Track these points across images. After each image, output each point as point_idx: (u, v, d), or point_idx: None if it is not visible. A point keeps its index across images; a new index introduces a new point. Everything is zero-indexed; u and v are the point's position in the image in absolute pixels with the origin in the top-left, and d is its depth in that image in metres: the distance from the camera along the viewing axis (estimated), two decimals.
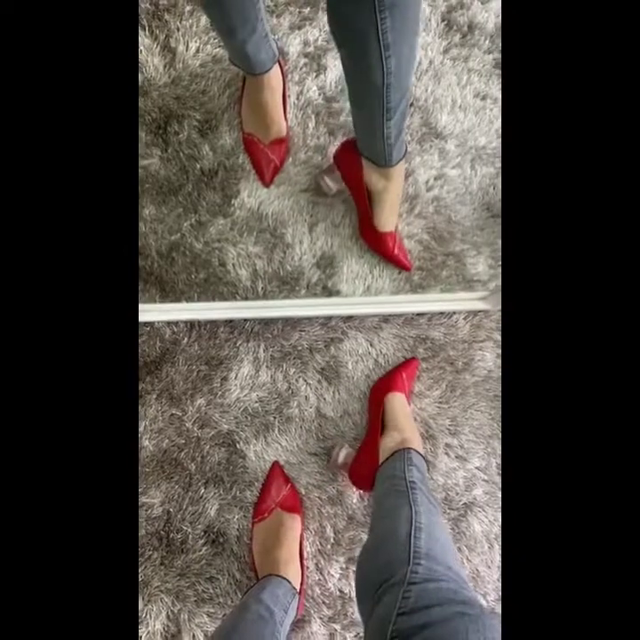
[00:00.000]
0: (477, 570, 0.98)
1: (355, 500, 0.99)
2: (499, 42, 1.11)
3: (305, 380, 1.02)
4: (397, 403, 0.96)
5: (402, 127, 0.83)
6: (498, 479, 0.99)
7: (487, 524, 0.99)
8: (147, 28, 1.10)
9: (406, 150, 0.91)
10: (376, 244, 1.01)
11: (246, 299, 1.04)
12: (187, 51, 1.09)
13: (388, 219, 0.99)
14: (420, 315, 1.03)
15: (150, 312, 1.01)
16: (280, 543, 0.92)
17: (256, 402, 1.02)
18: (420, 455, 0.84)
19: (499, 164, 1.07)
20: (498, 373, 1.02)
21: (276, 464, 0.99)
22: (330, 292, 1.04)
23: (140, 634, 0.96)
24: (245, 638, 0.72)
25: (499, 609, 0.96)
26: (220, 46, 1.09)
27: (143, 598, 0.97)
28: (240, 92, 1.06)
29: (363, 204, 0.98)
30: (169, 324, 1.03)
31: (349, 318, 1.03)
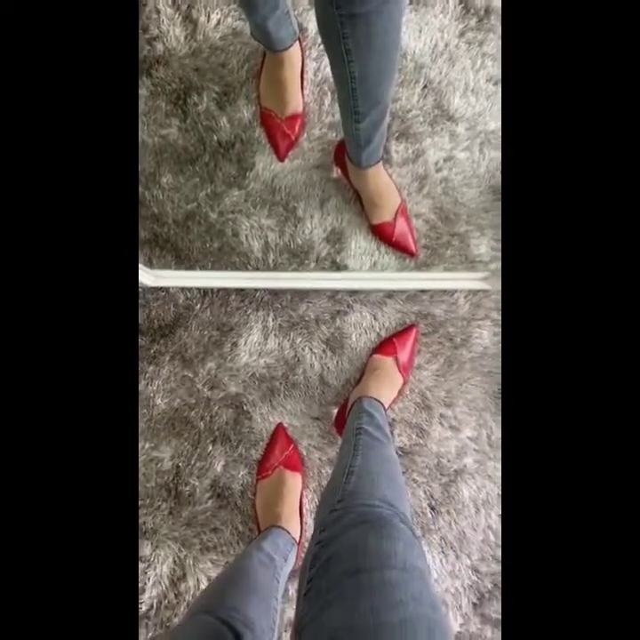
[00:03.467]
0: (464, 532, 1.05)
1: None
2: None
3: (310, 349, 1.07)
4: (374, 362, 1.04)
5: (372, 136, 0.86)
6: (487, 448, 1.06)
7: (475, 490, 1.06)
8: None
9: (381, 158, 0.96)
10: (375, 234, 1.08)
11: (257, 269, 1.08)
12: (208, 22, 1.11)
13: (373, 213, 1.04)
14: (422, 291, 1.08)
15: (165, 278, 1.05)
16: (282, 499, 0.99)
17: (263, 367, 1.07)
18: (373, 399, 0.94)
19: None
20: (493, 350, 1.08)
21: (280, 426, 1.06)
22: (338, 266, 1.09)
23: (148, 575, 1.03)
24: (248, 580, 0.78)
25: (482, 568, 1.04)
26: (240, 19, 1.11)
27: (152, 544, 1.04)
28: (259, 67, 1.09)
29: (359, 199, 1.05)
30: (183, 289, 1.08)
31: (355, 292, 1.08)
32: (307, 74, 1.10)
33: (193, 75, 1.11)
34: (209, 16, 1.12)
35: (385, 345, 1.05)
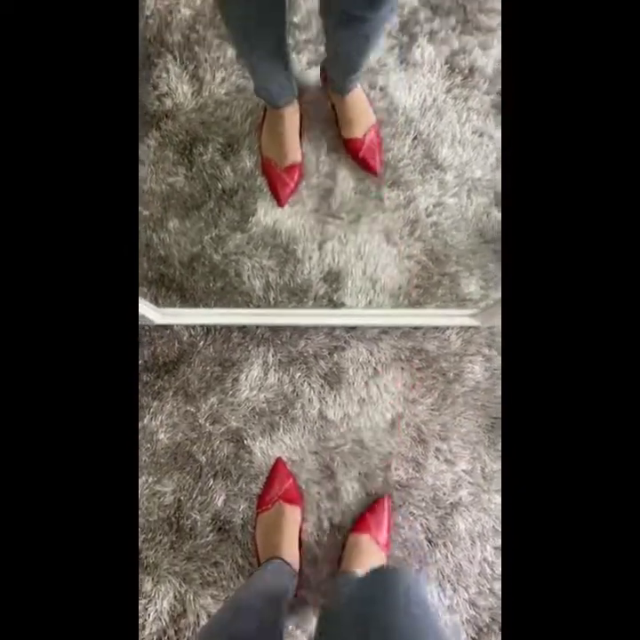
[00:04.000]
0: (460, 565, 1.06)
1: (351, 498, 1.08)
2: (497, 84, 1.22)
3: (309, 384, 1.11)
4: (352, 540, 1.03)
5: (349, 76, 1.04)
6: (482, 481, 1.09)
7: (471, 522, 1.08)
8: (177, 59, 1.21)
9: (353, 87, 1.12)
10: (346, 149, 1.16)
11: (259, 307, 1.13)
12: (213, 80, 1.20)
13: (346, 128, 1.14)
14: (416, 328, 1.13)
15: (170, 316, 1.10)
16: (281, 532, 1.01)
17: (263, 402, 1.11)
18: (360, 572, 0.95)
19: (492, 195, 1.18)
20: (485, 385, 1.12)
21: (279, 460, 1.08)
22: (335, 304, 1.14)
23: (148, 611, 1.04)
24: (250, 611, 0.80)
25: (480, 602, 1.05)
26: (243, 77, 1.21)
27: (153, 579, 1.05)
28: (261, 121, 1.17)
29: (334, 115, 1.17)
30: (187, 327, 1.12)
31: (352, 329, 1.13)
32: (304, 127, 1.18)
33: (199, 127, 1.19)
34: (214, 74, 1.21)
35: (359, 522, 1.05)
